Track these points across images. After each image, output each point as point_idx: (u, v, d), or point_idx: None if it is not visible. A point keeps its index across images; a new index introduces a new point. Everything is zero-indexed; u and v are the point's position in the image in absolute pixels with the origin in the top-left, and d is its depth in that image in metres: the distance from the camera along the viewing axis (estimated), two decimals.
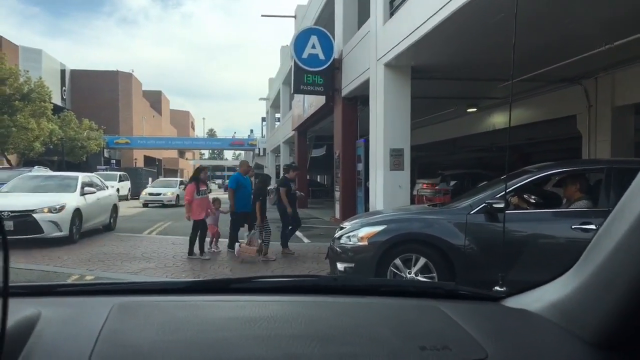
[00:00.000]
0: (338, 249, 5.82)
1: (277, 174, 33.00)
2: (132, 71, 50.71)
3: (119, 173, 31.59)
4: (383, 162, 10.28)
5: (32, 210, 9.90)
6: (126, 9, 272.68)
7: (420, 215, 5.96)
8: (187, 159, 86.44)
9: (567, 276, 1.08)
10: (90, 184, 12.26)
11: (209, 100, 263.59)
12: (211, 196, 10.32)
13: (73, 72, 44.81)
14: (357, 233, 5.65)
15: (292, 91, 17.10)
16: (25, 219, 9.76)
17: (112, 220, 13.38)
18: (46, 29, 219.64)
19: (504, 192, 5.21)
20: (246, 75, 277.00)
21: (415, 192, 15.91)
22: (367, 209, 11.45)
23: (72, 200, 10.79)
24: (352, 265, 5.58)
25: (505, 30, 6.83)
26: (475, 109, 16.15)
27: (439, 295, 1.35)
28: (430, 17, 7.58)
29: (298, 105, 20.17)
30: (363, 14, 12.29)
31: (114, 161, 45.22)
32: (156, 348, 0.95)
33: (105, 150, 41.83)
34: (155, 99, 64.48)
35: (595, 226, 4.73)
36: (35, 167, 19.46)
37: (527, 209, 5.73)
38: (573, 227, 4.94)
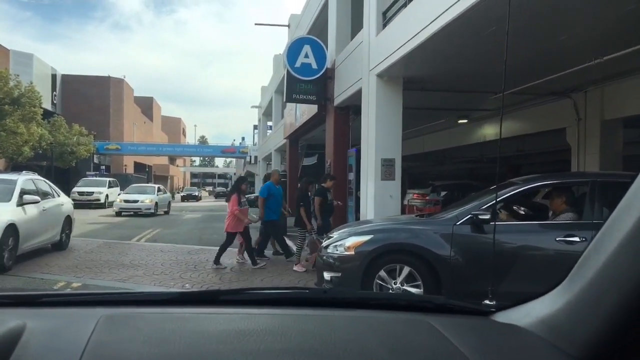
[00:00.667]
0: (325, 258, 5.81)
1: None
2: (124, 77, 50.59)
3: (108, 179, 31.42)
4: (374, 171, 10.29)
5: None
6: (119, 14, 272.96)
7: (407, 225, 6.00)
8: (177, 166, 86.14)
9: (556, 291, 1.08)
10: (35, 191, 9.66)
11: (201, 107, 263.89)
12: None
13: (64, 77, 44.55)
14: (344, 242, 5.66)
15: (284, 100, 17.12)
16: None
17: (63, 237, 10.66)
18: (38, 34, 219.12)
19: (490, 204, 5.26)
20: (238, 82, 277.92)
21: (406, 202, 15.96)
22: (357, 218, 11.45)
23: (3, 212, 8.20)
24: (339, 274, 5.57)
25: (497, 43, 6.91)
26: (466, 120, 16.26)
27: (429, 309, 1.34)
28: (423, 29, 7.64)
29: (290, 114, 20.18)
30: (356, 24, 12.36)
31: (104, 167, 44.88)
32: None
33: (95, 155, 41.55)
34: (146, 105, 64.25)
35: (579, 239, 4.83)
36: (23, 172, 19.19)
37: (512, 221, 5.77)
38: (557, 239, 4.99)
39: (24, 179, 9.57)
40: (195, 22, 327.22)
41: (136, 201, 22.67)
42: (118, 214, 22.56)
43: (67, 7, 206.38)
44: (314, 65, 13.41)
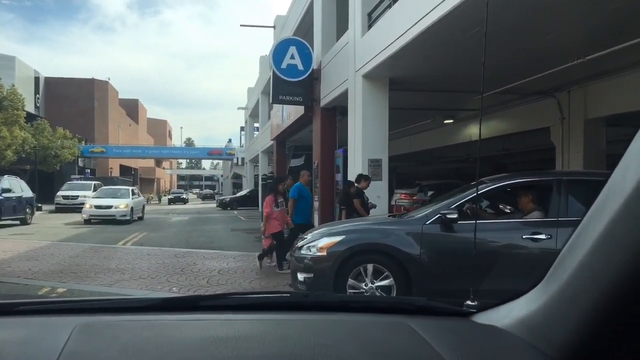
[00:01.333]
0: (298, 260, 5.81)
1: (255, 183, 32.86)
2: (109, 79, 50.16)
3: (93, 182, 31.01)
4: (362, 172, 10.32)
5: None
6: (102, 16, 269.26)
7: (379, 225, 6.05)
8: (164, 168, 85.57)
9: (534, 292, 1.09)
10: None
11: (187, 109, 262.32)
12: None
13: (47, 79, 44.01)
14: (317, 243, 5.67)
15: (270, 101, 17.08)
16: None
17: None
18: (21, 36, 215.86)
19: (458, 203, 5.40)
20: (225, 84, 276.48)
21: (393, 202, 16.02)
22: None
23: None
24: (311, 275, 5.58)
25: (481, 44, 6.94)
26: (452, 121, 16.37)
27: (410, 311, 1.34)
28: (408, 30, 7.68)
29: (277, 115, 20.15)
30: (342, 25, 12.38)
31: (89, 170, 44.40)
32: None
33: (79, 159, 41.08)
34: (131, 108, 63.74)
35: (545, 236, 5.01)
36: (5, 176, 18.89)
37: (482, 219, 5.84)
38: (524, 237, 5.13)
39: None
40: (180, 24, 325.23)
41: (110, 207, 19.45)
42: (87, 221, 19.16)
43: (50, 9, 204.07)
44: (300, 67, 13.40)
